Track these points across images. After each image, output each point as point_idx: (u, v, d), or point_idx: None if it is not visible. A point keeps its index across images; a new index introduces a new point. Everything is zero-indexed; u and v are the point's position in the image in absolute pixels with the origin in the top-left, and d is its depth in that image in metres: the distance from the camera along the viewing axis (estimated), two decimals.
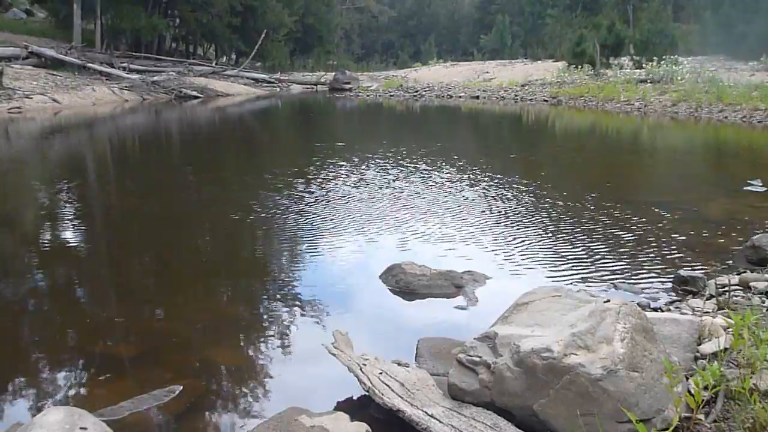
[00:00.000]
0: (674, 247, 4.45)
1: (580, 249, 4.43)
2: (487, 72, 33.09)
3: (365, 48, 64.07)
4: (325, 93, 28.49)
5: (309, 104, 23.59)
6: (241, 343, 3.07)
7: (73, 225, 5.30)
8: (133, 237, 5.07)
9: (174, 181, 7.68)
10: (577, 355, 1.94)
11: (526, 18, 50.57)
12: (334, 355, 2.44)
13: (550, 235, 4.80)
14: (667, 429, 1.89)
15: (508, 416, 2.07)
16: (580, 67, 26.58)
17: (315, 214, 5.45)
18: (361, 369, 2.31)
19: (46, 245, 4.72)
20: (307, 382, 2.69)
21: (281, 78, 31.51)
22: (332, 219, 5.29)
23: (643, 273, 3.92)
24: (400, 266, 3.76)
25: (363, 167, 7.91)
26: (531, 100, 22.20)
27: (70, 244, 4.68)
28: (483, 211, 5.57)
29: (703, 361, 2.46)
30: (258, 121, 17.49)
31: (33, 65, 20.57)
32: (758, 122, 13.71)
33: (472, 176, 7.27)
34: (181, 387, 2.49)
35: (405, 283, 3.67)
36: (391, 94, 26.15)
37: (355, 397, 2.43)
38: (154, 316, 3.36)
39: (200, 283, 3.95)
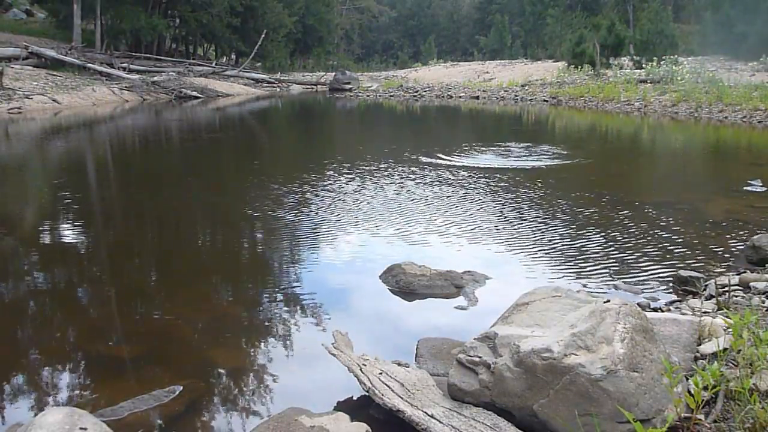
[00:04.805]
0: (674, 247, 4.45)
1: (580, 249, 4.43)
2: (487, 72, 33.10)
3: (365, 48, 64.12)
4: (325, 93, 28.51)
5: (309, 105, 23.60)
6: (241, 343, 3.07)
7: (73, 225, 5.30)
8: (133, 237, 5.07)
9: (174, 182, 7.68)
10: (577, 355, 1.94)
11: (527, 18, 50.59)
12: (334, 355, 2.44)
13: (550, 235, 4.79)
14: (667, 429, 1.89)
15: (508, 416, 2.07)
16: (580, 67, 26.59)
17: (315, 214, 5.45)
18: (361, 369, 2.31)
19: (47, 245, 4.72)
20: (307, 382, 2.69)
21: (281, 78, 31.55)
22: (332, 219, 5.29)
23: (643, 273, 3.93)
24: (400, 266, 3.76)
25: (363, 168, 7.91)
26: (531, 100, 22.20)
27: (71, 245, 4.68)
28: (483, 211, 5.57)
29: (703, 361, 2.46)
30: (258, 122, 17.50)
31: (33, 65, 20.60)
32: (758, 122, 13.71)
33: (471, 176, 7.27)
34: (181, 387, 2.49)
35: (405, 284, 3.67)
36: (391, 94, 26.16)
37: (355, 398, 2.43)
38: (154, 316, 3.36)
39: (200, 283, 3.96)
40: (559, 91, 22.70)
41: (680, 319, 2.72)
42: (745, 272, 3.71)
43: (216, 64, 31.16)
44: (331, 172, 7.56)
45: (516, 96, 23.27)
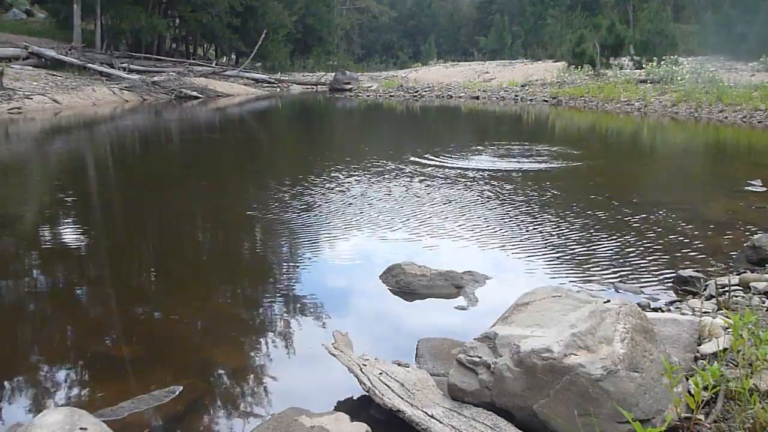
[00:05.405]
0: (674, 247, 4.45)
1: (580, 249, 4.43)
2: (487, 72, 33.11)
3: (365, 48, 64.07)
4: (325, 93, 28.51)
5: (309, 105, 23.59)
6: (241, 343, 3.07)
7: (73, 225, 5.30)
8: (133, 237, 5.07)
9: (174, 182, 7.68)
10: (577, 355, 1.94)
11: (527, 18, 50.57)
12: (334, 355, 2.44)
13: (550, 235, 4.79)
14: (667, 429, 1.89)
15: (508, 416, 2.07)
16: (580, 67, 26.59)
17: (315, 214, 5.45)
18: (361, 369, 2.31)
19: (47, 245, 4.72)
20: (307, 382, 2.69)
21: (281, 78, 31.53)
22: (332, 219, 5.29)
23: (643, 273, 3.92)
24: (400, 266, 3.76)
25: (363, 168, 7.91)
26: (531, 100, 22.20)
27: (71, 245, 4.68)
28: (483, 211, 5.57)
29: (703, 361, 2.46)
30: (258, 122, 17.50)
31: (33, 66, 20.58)
32: (758, 122, 13.71)
33: (471, 177, 7.27)
34: (181, 387, 2.49)
35: (405, 284, 3.66)
36: (391, 94, 26.16)
37: (355, 398, 2.43)
38: (154, 316, 3.36)
39: (200, 283, 3.95)
40: (559, 91, 22.70)
41: (680, 319, 2.72)
42: (745, 272, 3.71)
43: (216, 64, 31.14)
44: (331, 172, 7.56)
45: (516, 96, 23.27)
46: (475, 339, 2.25)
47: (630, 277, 3.86)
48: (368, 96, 25.97)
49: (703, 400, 1.98)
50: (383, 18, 65.56)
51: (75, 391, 2.54)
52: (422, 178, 7.17)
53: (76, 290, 3.84)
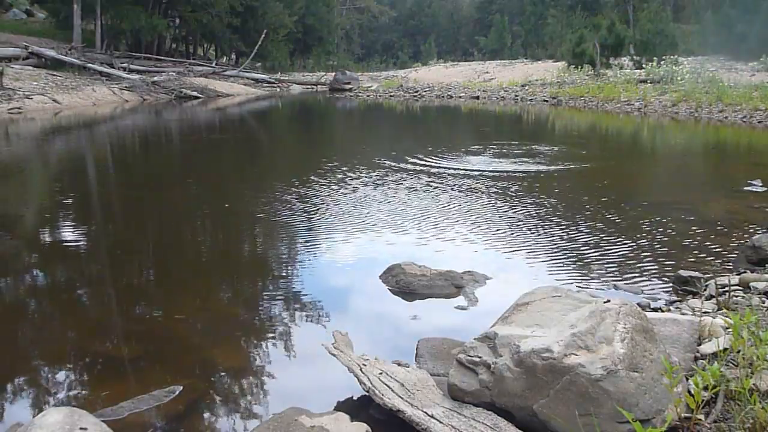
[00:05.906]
0: (674, 247, 4.45)
1: (580, 249, 4.43)
2: (487, 72, 33.13)
3: (365, 48, 64.11)
4: (325, 93, 28.51)
5: (309, 105, 23.59)
6: (241, 343, 3.07)
7: (73, 226, 5.30)
8: (133, 238, 5.07)
9: (174, 182, 7.68)
10: (577, 355, 1.94)
11: (527, 18, 50.59)
12: (334, 355, 2.44)
13: (550, 235, 4.79)
14: (667, 429, 1.89)
15: (508, 416, 2.07)
16: (580, 67, 26.59)
17: (315, 215, 5.45)
18: (361, 369, 2.31)
19: (47, 246, 4.72)
20: (307, 382, 2.69)
21: (281, 78, 31.52)
22: (332, 219, 5.29)
23: (643, 273, 3.92)
24: (400, 266, 3.76)
25: (363, 169, 7.90)
26: (531, 100, 22.20)
27: (71, 245, 4.68)
28: (483, 212, 5.57)
29: (703, 361, 2.46)
30: (259, 123, 17.49)
31: (33, 66, 20.58)
32: (758, 122, 13.71)
33: (471, 177, 7.27)
34: (181, 387, 2.49)
35: (405, 284, 3.66)
36: (391, 94, 26.16)
37: (355, 398, 2.43)
38: (154, 316, 3.36)
39: (200, 283, 3.95)
40: (559, 91, 22.69)
41: (680, 319, 2.72)
42: (745, 272, 3.71)
43: (216, 64, 31.13)
44: (331, 173, 7.56)
45: (516, 96, 23.27)
46: (475, 339, 2.25)
47: (630, 277, 3.86)
48: (368, 96, 25.97)
49: (703, 400, 1.98)
50: (383, 18, 65.58)
51: (75, 391, 2.54)
52: (422, 178, 7.16)
53: (76, 290, 3.84)
